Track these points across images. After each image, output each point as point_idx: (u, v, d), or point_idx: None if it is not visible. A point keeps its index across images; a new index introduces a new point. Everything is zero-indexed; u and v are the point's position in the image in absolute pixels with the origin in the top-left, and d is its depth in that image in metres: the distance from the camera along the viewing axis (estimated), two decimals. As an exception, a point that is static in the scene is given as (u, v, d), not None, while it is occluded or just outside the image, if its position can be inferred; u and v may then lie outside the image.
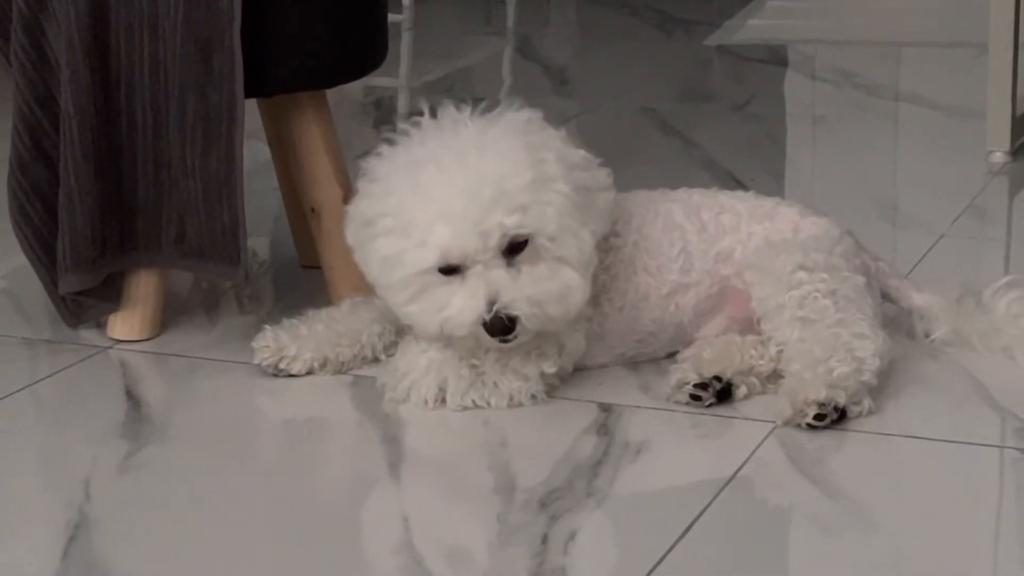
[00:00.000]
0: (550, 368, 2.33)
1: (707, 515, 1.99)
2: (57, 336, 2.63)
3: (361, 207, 2.31)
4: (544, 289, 2.23)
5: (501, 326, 2.21)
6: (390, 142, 2.33)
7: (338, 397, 2.39)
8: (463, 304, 2.22)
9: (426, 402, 2.31)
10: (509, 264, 2.23)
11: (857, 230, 2.50)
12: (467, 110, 2.31)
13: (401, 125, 2.35)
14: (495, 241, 2.21)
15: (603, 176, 2.34)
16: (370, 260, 2.30)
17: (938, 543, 1.93)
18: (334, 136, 2.65)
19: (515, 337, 2.23)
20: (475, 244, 2.21)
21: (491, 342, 2.24)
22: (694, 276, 2.41)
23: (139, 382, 2.46)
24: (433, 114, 2.32)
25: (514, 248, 2.23)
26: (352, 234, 2.34)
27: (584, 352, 2.39)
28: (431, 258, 2.23)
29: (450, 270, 2.23)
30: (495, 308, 2.21)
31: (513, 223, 2.21)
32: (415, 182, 2.25)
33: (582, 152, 2.33)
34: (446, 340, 2.27)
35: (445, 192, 2.22)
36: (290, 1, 2.52)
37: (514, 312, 2.21)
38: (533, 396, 2.32)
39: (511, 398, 2.31)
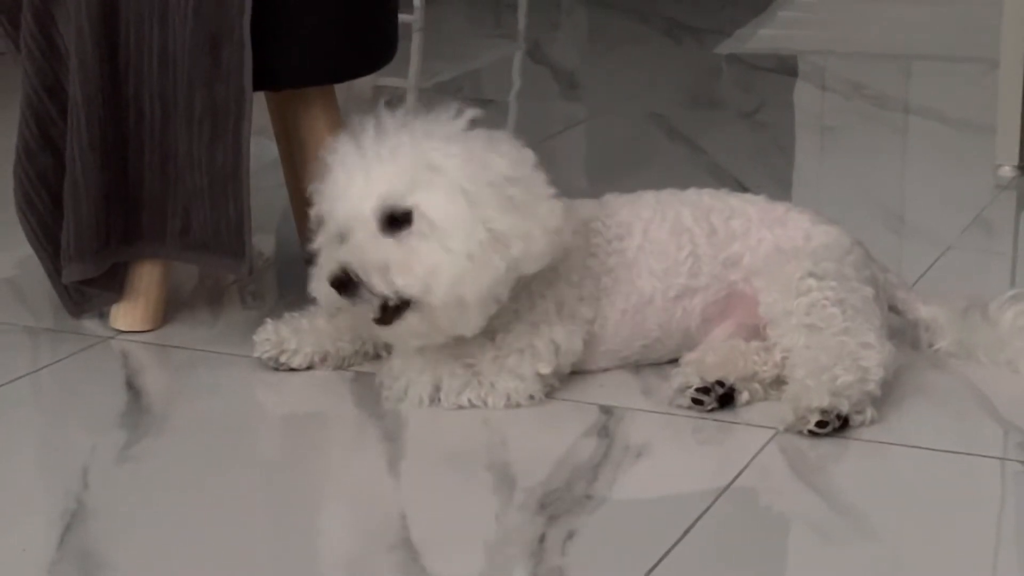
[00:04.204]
0: (544, 369, 2.32)
1: (706, 520, 1.99)
2: (59, 325, 2.63)
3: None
4: (400, 260, 2.23)
5: (340, 281, 2.22)
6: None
7: (338, 393, 2.38)
8: (325, 264, 2.26)
9: (422, 400, 2.31)
10: (391, 236, 2.24)
11: (864, 240, 2.50)
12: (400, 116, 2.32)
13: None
14: (370, 207, 2.23)
15: (539, 185, 2.30)
16: None
17: (938, 554, 1.92)
18: (341, 131, 2.65)
19: (378, 305, 2.23)
20: (354, 209, 2.24)
21: (369, 323, 2.26)
22: (702, 280, 2.40)
23: (140, 373, 2.46)
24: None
25: (395, 221, 2.24)
26: None
27: (585, 355, 2.38)
28: (330, 222, 2.27)
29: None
30: (342, 265, 2.22)
31: (389, 193, 2.23)
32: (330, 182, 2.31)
33: (509, 161, 2.29)
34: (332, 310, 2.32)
35: (343, 179, 2.28)
36: (301, -5, 2.53)
37: (363, 274, 2.22)
38: (531, 396, 2.32)
39: (508, 398, 2.30)
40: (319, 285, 2.28)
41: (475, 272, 2.23)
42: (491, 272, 2.24)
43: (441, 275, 2.22)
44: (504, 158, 2.29)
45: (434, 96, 4.10)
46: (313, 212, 2.35)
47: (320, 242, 2.31)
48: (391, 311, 2.25)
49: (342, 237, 2.26)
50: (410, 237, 2.24)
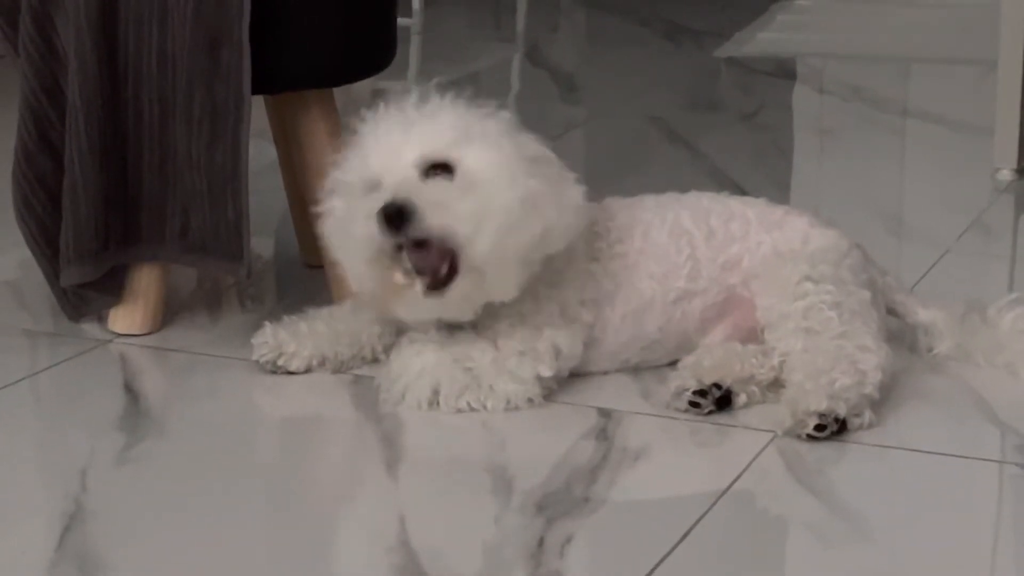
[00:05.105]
0: (546, 372, 2.32)
1: (704, 523, 1.99)
2: (58, 328, 2.63)
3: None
4: (449, 200, 2.22)
5: (395, 210, 2.19)
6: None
7: (337, 396, 2.38)
8: (368, 205, 2.23)
9: (420, 404, 2.31)
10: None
11: (862, 243, 2.50)
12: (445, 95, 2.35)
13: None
14: (411, 156, 2.24)
15: (562, 168, 2.34)
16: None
17: (936, 557, 1.92)
18: (340, 135, 2.65)
19: (430, 273, 2.22)
20: (392, 159, 2.24)
21: (399, 274, 2.23)
22: (701, 283, 2.41)
23: (138, 376, 2.46)
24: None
25: (436, 173, 2.25)
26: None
27: (584, 358, 2.38)
28: (359, 174, 2.27)
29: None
30: (393, 198, 2.21)
31: (432, 146, 2.24)
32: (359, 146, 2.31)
33: (536, 144, 2.34)
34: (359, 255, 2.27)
35: (382, 131, 2.29)
36: (300, -2, 2.53)
37: (413, 200, 2.20)
38: (530, 400, 2.32)
39: (507, 401, 2.30)
40: (359, 225, 2.23)
41: (518, 224, 2.24)
42: (531, 230, 2.25)
43: (489, 220, 2.22)
44: (533, 141, 2.33)
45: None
46: (329, 180, 2.34)
47: (335, 202, 2.31)
48: (442, 278, 2.23)
49: (371, 188, 2.26)
50: (454, 185, 2.25)
